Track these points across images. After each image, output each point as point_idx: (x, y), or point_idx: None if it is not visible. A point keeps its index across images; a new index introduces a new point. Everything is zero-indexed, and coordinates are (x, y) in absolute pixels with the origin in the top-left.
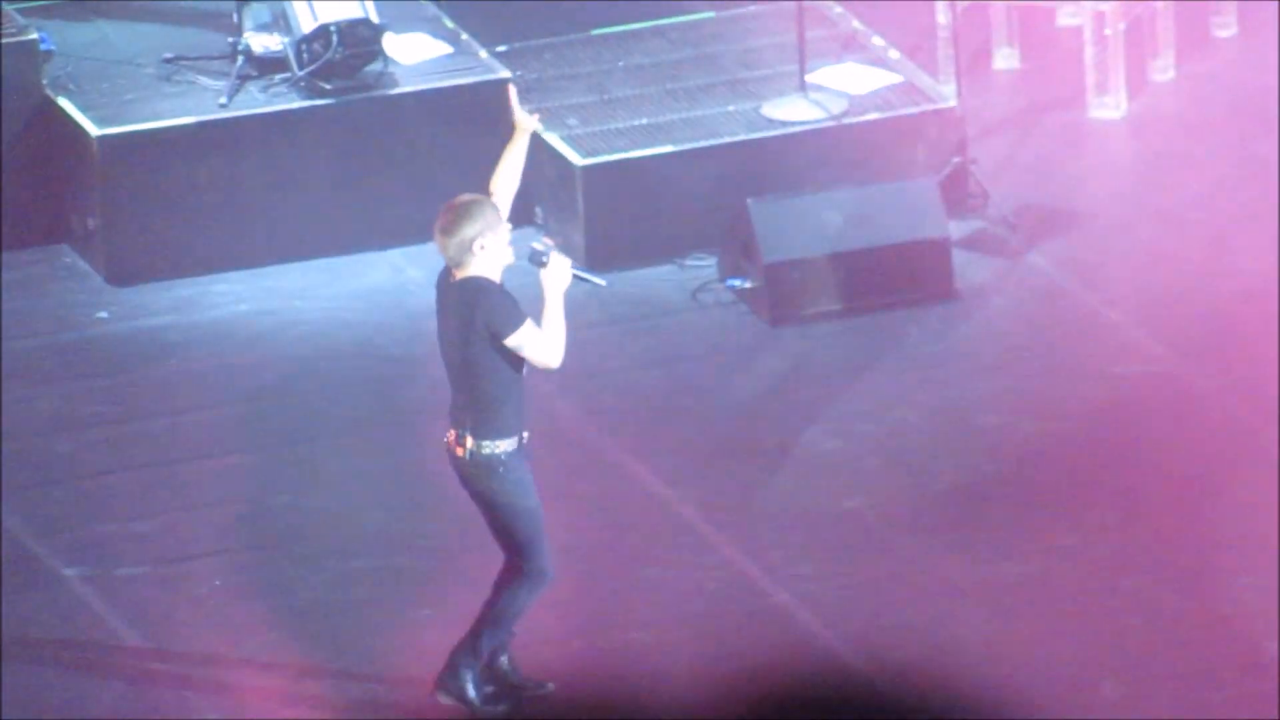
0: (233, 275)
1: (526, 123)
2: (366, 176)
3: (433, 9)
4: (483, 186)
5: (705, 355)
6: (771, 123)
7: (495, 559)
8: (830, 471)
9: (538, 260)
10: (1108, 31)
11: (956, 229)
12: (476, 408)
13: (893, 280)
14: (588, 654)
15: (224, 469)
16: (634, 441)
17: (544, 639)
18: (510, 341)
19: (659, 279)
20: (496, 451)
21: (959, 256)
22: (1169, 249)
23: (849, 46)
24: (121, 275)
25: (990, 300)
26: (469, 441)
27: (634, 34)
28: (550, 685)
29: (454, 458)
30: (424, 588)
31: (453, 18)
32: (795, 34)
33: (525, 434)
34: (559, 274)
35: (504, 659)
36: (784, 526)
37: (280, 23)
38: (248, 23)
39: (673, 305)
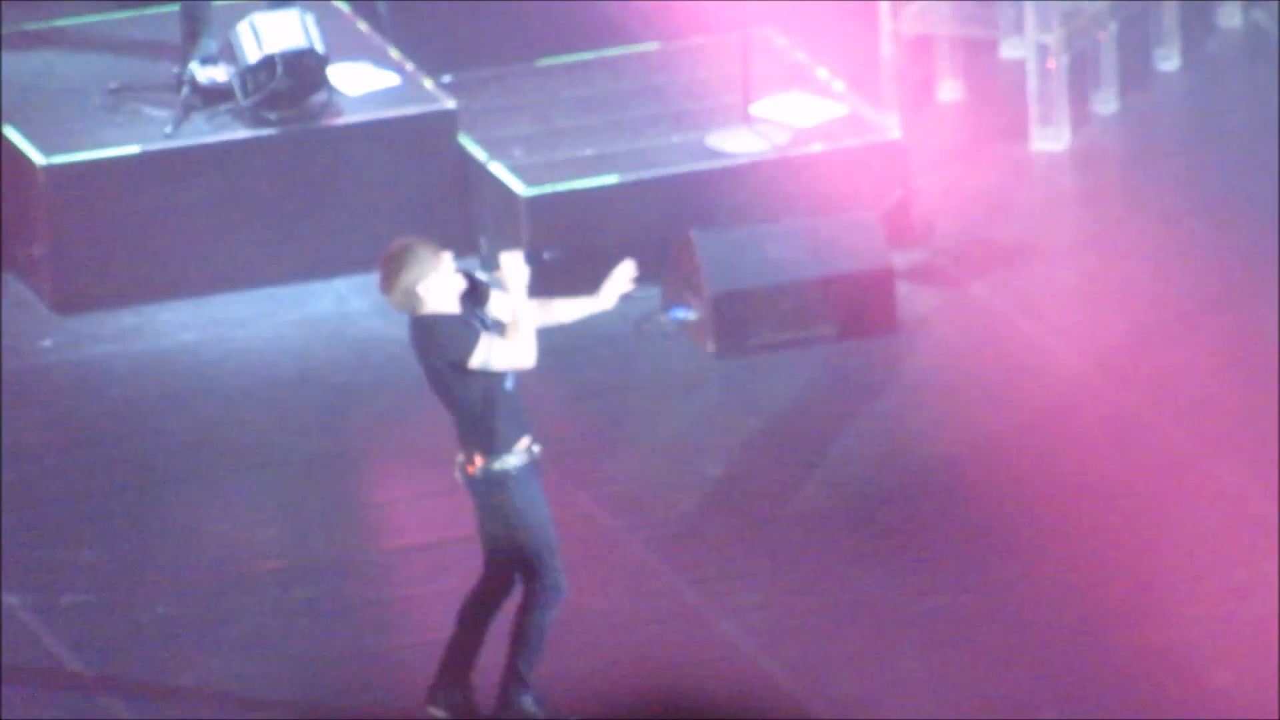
0: (178, 304)
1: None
2: (311, 206)
3: (378, 39)
4: (426, 214)
5: (648, 386)
6: (716, 154)
7: (440, 590)
8: (773, 502)
9: (491, 267)
10: (1051, 64)
11: (900, 261)
12: (472, 430)
13: (836, 312)
14: (535, 683)
15: (168, 497)
16: (576, 472)
17: (484, 667)
18: (474, 363)
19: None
20: (506, 467)
21: (902, 288)
22: (1111, 281)
23: (794, 78)
24: (66, 303)
25: (933, 332)
26: (478, 460)
27: (579, 65)
28: None
29: (466, 478)
30: (367, 617)
31: (399, 48)
32: (740, 66)
33: (535, 448)
34: (515, 270)
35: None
36: (727, 557)
37: (226, 53)
38: (194, 53)
39: (615, 336)
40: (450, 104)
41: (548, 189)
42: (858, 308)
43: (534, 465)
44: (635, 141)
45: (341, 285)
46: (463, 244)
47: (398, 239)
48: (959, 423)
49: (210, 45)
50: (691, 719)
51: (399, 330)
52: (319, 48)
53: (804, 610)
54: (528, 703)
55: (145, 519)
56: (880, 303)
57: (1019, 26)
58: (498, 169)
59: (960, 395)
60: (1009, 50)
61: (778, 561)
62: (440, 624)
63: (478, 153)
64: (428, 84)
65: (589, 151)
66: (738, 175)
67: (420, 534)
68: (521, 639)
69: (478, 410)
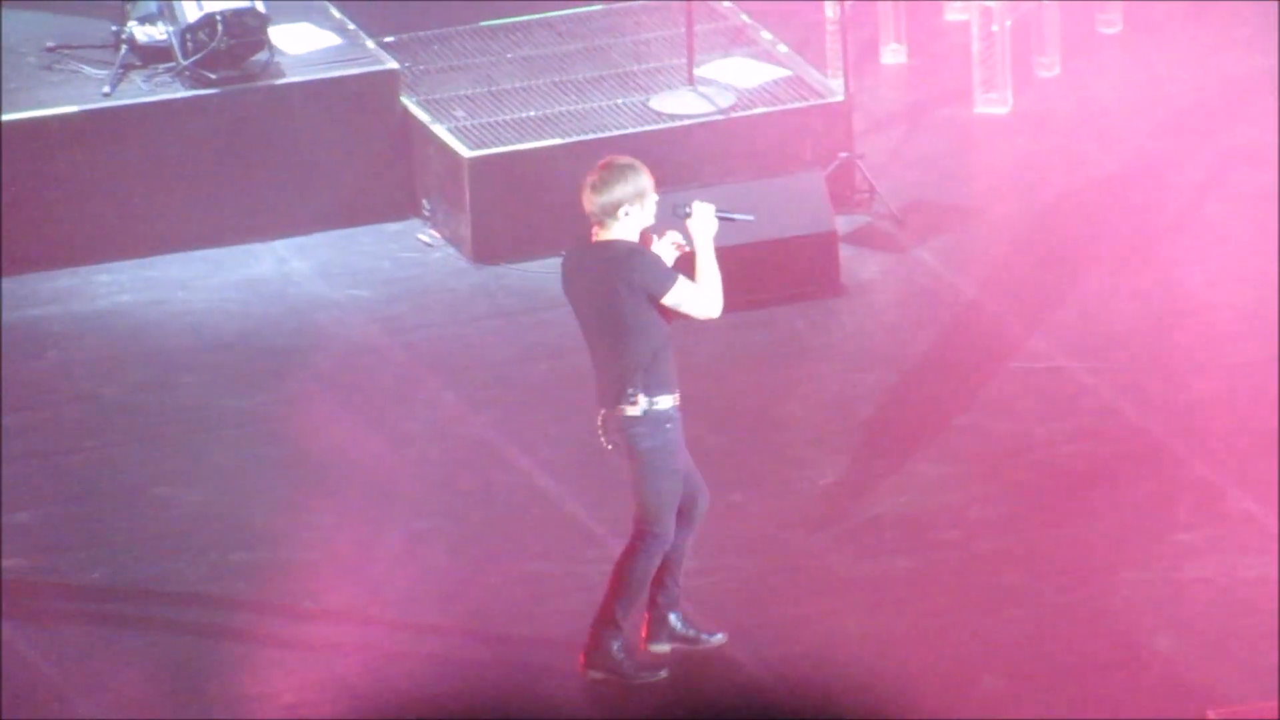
0: (116, 265)
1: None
2: (251, 167)
3: (319, 1)
4: (368, 176)
5: None
6: (660, 116)
7: (374, 554)
8: (715, 465)
9: (681, 213)
10: (994, 28)
11: (843, 224)
12: (641, 366)
13: (780, 275)
14: (470, 647)
15: (105, 460)
16: (519, 435)
17: (427, 631)
18: (669, 299)
19: (546, 272)
20: (668, 407)
21: (846, 251)
22: (1054, 244)
23: (738, 41)
24: (2, 265)
25: (876, 295)
26: (641, 400)
27: (522, 26)
28: (722, 636)
29: (624, 421)
30: (305, 581)
31: (340, 9)
32: (684, 27)
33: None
34: (705, 221)
35: (674, 615)
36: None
37: (165, 12)
38: (133, 12)
39: (559, 298)
40: (392, 65)
41: (491, 151)
42: (801, 271)
43: (681, 410)
44: (579, 103)
45: (282, 247)
46: (405, 205)
47: (622, 155)
48: (900, 386)
49: (149, 4)
50: (632, 683)
51: (339, 292)
52: (260, 7)
53: (745, 574)
54: (616, 648)
55: (82, 482)
56: (824, 266)
57: None
58: (440, 131)
59: (902, 358)
60: (953, 13)
61: (719, 525)
62: (381, 587)
63: (420, 114)
64: (369, 44)
65: (532, 113)
66: (682, 137)
67: (360, 497)
68: (621, 584)
69: (651, 348)
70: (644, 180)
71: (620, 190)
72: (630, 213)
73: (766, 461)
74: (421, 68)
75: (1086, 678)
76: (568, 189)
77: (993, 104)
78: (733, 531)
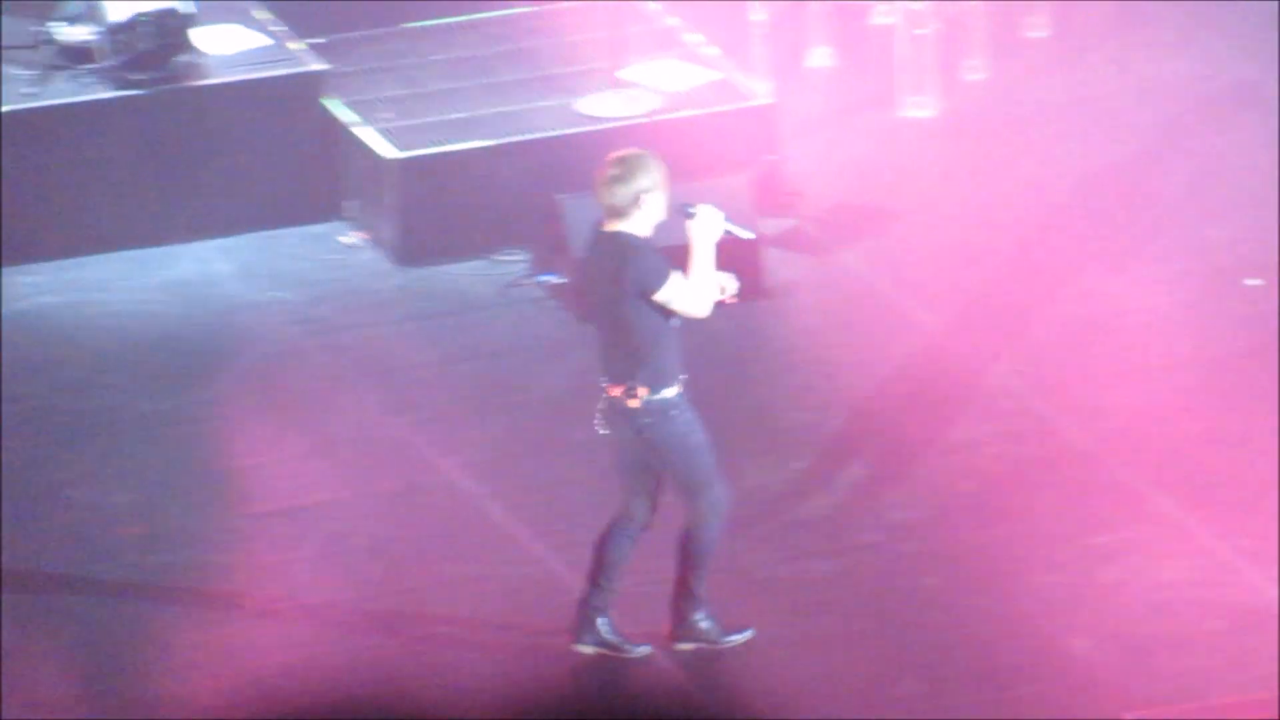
0: (37, 266)
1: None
2: (174, 168)
3: (248, 3)
4: (292, 178)
5: (515, 351)
6: (585, 118)
7: (300, 556)
8: None
9: (686, 212)
10: (920, 31)
11: (769, 227)
12: (639, 360)
13: None
14: (390, 649)
15: (24, 461)
16: (442, 437)
17: (348, 634)
18: (659, 296)
19: (470, 274)
20: (668, 396)
21: (770, 254)
22: (978, 248)
23: (665, 43)
24: None
25: (801, 298)
26: (642, 392)
27: (449, 28)
28: (648, 648)
29: (626, 411)
30: (224, 583)
31: (268, 10)
32: (611, 30)
33: (683, 377)
34: (708, 226)
35: (602, 620)
36: (590, 523)
37: (89, 13)
38: (57, 12)
39: (484, 300)
40: (317, 66)
41: (417, 153)
42: (725, 273)
43: (686, 392)
44: (504, 105)
45: (204, 248)
46: (329, 207)
47: (629, 147)
48: (825, 388)
49: (73, 4)
50: (552, 685)
51: (262, 294)
52: (183, 8)
53: (665, 577)
54: (702, 620)
55: (1, 484)
56: (748, 269)
57: None
58: (366, 132)
59: (827, 361)
60: (879, 17)
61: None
62: (301, 589)
63: (345, 116)
64: (295, 46)
65: (458, 115)
66: (607, 140)
67: (281, 499)
68: (693, 558)
69: (649, 342)
70: (661, 168)
71: (643, 179)
72: (652, 202)
73: None
74: (349, 69)
75: (1005, 679)
76: (492, 190)
77: (918, 107)
78: (654, 533)
